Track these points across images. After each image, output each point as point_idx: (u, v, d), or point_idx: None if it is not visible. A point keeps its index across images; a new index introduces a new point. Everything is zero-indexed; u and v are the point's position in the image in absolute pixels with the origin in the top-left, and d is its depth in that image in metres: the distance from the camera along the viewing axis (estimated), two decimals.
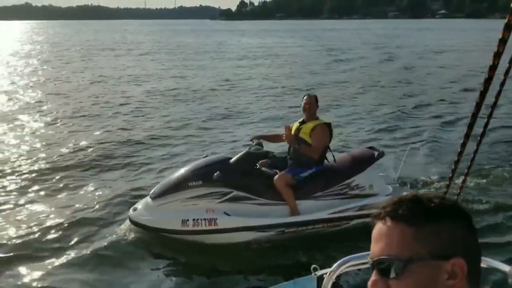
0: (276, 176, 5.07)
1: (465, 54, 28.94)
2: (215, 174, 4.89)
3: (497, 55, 1.57)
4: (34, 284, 4.45)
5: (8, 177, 7.28)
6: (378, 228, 0.93)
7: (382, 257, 0.89)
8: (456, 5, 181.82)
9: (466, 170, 2.34)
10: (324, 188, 5.22)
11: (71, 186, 7.00)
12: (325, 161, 5.38)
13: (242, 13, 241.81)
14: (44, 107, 12.98)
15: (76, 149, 8.77)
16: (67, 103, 13.67)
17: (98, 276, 4.59)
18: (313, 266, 1.90)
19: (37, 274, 4.60)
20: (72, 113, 12.16)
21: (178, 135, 10.09)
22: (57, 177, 7.31)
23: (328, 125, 5.26)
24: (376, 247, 0.92)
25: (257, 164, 5.33)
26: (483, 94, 1.69)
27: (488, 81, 1.65)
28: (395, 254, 0.88)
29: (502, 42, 1.53)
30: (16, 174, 7.43)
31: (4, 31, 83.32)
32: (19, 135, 9.96)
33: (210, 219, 4.86)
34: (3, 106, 13.31)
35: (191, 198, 4.99)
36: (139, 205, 5.30)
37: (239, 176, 5.06)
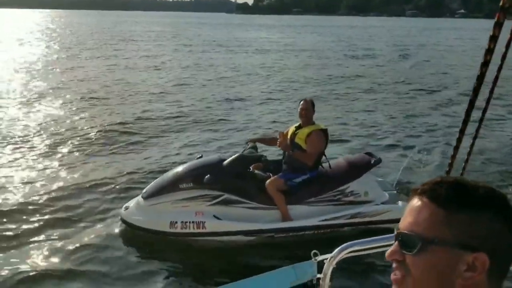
0: (268, 181, 5.00)
1: (479, 54, 28.49)
2: (206, 177, 4.83)
3: (489, 52, 1.58)
4: (18, 276, 4.36)
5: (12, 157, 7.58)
6: (413, 203, 0.92)
7: (406, 231, 0.89)
8: (474, 4, 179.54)
9: (466, 157, 2.30)
10: (318, 194, 5.13)
11: (74, 171, 7.08)
12: (320, 166, 5.28)
13: (259, 7, 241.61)
14: (65, 92, 13.39)
15: (87, 134, 9.01)
16: (94, 89, 14.07)
17: (84, 270, 4.52)
18: (313, 251, 1.88)
19: (21, 265, 4.52)
20: (90, 98, 12.64)
21: (195, 125, 10.25)
22: (60, 163, 7.44)
23: (324, 131, 5.16)
24: (405, 220, 0.92)
25: (250, 167, 5.25)
26: (479, 79, 1.68)
27: (484, 66, 1.66)
28: (419, 232, 0.87)
29: (493, 39, 1.54)
30: (18, 154, 7.76)
31: (17, 19, 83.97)
32: (38, 115, 10.54)
33: (198, 222, 4.80)
34: (35, 88, 13.90)
35: (181, 200, 4.95)
36: (131, 203, 5.27)
37: (232, 178, 4.99)
